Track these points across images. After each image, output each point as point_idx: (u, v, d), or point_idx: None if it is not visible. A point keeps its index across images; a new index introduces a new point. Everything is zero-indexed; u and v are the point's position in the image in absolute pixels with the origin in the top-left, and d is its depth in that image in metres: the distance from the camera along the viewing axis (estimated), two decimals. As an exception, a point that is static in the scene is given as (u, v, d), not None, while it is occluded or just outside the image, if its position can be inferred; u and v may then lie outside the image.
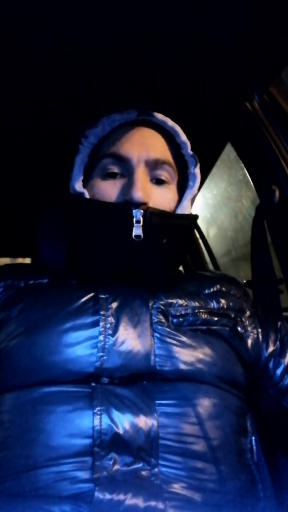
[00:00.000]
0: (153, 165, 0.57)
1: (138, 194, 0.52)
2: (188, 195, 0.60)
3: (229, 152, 0.95)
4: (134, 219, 0.51)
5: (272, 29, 0.57)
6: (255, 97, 0.74)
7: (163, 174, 0.58)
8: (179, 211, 0.58)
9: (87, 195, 0.57)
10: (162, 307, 0.52)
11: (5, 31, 0.54)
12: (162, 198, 0.57)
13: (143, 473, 0.40)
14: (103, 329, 0.48)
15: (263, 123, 0.73)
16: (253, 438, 0.51)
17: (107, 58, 0.61)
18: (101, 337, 0.47)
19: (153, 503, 0.37)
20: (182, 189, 0.62)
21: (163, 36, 0.57)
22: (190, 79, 0.67)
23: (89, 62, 0.62)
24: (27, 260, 2.24)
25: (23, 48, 0.58)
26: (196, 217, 0.62)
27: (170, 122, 0.61)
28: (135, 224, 0.51)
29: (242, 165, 0.85)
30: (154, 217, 0.53)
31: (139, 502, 0.37)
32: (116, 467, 0.40)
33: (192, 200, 0.62)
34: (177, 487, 0.40)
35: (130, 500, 0.37)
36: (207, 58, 0.62)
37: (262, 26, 0.57)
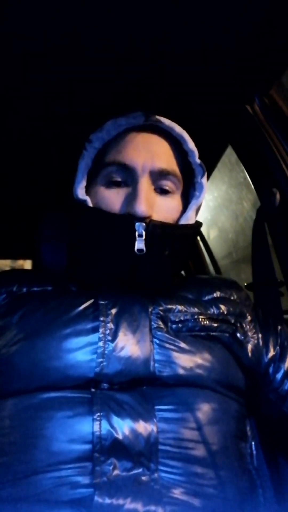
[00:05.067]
0: (157, 175, 0.55)
1: (142, 208, 0.51)
2: (193, 205, 0.58)
3: (230, 155, 0.95)
4: (137, 233, 0.51)
5: (273, 32, 0.57)
6: (256, 101, 0.74)
7: (167, 184, 0.56)
8: (183, 221, 0.57)
9: (89, 203, 0.56)
10: (161, 312, 0.52)
11: (6, 32, 0.54)
12: (166, 208, 0.56)
13: (143, 478, 0.40)
14: (102, 335, 0.48)
15: (264, 126, 0.73)
16: (253, 443, 0.51)
17: (107, 61, 0.61)
18: (100, 343, 0.47)
19: (152, 508, 0.37)
20: (186, 197, 0.60)
21: (164, 40, 0.57)
22: (191, 82, 0.67)
23: (90, 64, 0.62)
24: (28, 262, 2.24)
25: (24, 51, 0.58)
26: (199, 225, 0.61)
27: (177, 129, 0.59)
28: (137, 238, 0.51)
29: (243, 167, 0.85)
30: (156, 230, 0.52)
31: (139, 506, 0.37)
32: (116, 472, 0.40)
33: (197, 209, 0.60)
34: (176, 492, 0.40)
35: (130, 504, 0.37)
36: (208, 61, 0.62)
37: (263, 30, 0.57)
